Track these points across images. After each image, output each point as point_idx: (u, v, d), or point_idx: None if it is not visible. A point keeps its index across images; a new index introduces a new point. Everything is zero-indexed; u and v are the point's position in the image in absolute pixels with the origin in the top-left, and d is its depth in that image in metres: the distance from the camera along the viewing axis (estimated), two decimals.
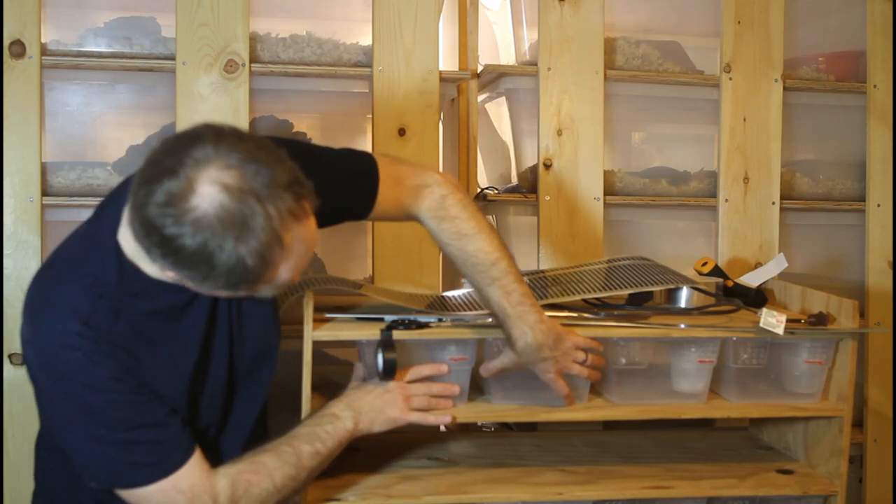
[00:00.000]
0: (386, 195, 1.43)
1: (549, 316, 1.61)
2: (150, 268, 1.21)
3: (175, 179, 1.06)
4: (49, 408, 1.26)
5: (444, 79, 2.01)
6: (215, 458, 1.32)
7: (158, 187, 1.06)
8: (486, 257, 1.45)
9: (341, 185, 1.41)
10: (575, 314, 1.65)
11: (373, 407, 1.48)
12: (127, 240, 1.21)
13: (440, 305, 1.70)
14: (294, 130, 2.04)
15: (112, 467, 1.23)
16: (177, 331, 1.29)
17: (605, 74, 2.07)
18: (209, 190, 1.06)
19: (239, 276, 1.09)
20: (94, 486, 1.24)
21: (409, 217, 1.49)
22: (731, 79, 2.14)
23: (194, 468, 1.25)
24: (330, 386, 1.66)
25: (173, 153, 1.08)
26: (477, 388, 1.67)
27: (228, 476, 1.28)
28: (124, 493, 1.24)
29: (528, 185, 2.10)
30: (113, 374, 1.20)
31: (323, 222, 1.44)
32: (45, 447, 1.38)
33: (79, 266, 1.24)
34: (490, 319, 1.58)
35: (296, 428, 1.39)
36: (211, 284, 1.11)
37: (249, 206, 1.06)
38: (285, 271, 1.13)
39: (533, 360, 1.49)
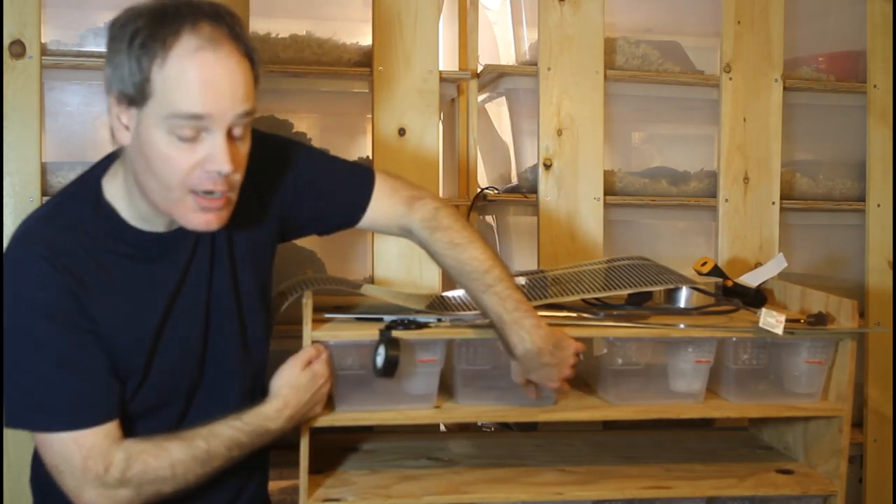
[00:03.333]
0: (380, 201, 1.49)
1: (550, 316, 1.62)
2: (127, 211, 1.27)
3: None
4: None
5: (444, 79, 2.01)
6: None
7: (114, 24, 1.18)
8: (479, 265, 1.45)
9: (338, 184, 1.47)
10: (575, 314, 1.65)
11: (305, 414, 1.45)
12: (109, 182, 1.28)
13: (440, 305, 1.70)
14: (294, 130, 2.04)
15: (25, 404, 1.22)
16: (145, 279, 1.29)
17: (605, 74, 2.07)
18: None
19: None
20: (9, 426, 1.23)
21: (402, 228, 1.51)
22: (731, 79, 2.14)
23: (100, 432, 1.23)
24: None
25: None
26: (446, 389, 1.66)
27: (128, 451, 1.25)
28: (35, 436, 1.25)
29: (528, 185, 2.10)
30: (57, 300, 1.21)
31: (319, 224, 1.50)
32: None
33: (59, 208, 1.28)
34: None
35: (222, 424, 1.32)
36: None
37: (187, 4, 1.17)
38: (188, 52, 1.14)
39: (534, 366, 1.46)
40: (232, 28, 1.18)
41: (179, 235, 1.31)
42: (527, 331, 1.44)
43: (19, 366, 1.22)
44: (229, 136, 1.19)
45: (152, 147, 1.17)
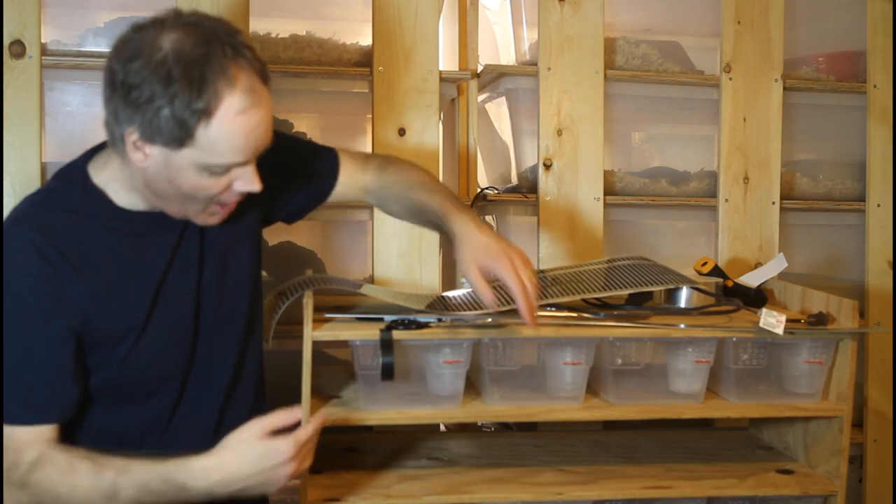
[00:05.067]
0: (346, 167, 1.56)
1: (550, 316, 1.63)
2: (118, 196, 1.30)
3: (141, 38, 1.18)
4: None
5: (444, 79, 2.01)
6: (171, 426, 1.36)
7: (123, 48, 1.18)
8: (426, 183, 1.53)
9: (306, 158, 1.56)
10: (575, 314, 1.65)
11: (244, 487, 1.26)
12: (98, 170, 1.31)
13: (440, 305, 1.70)
14: (294, 130, 2.04)
15: None
16: (136, 257, 1.31)
17: (605, 74, 2.07)
18: (172, 35, 1.17)
19: (182, 76, 1.15)
20: None
21: (362, 187, 1.57)
22: (731, 79, 2.14)
23: (30, 431, 1.23)
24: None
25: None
26: (473, 390, 1.67)
27: (41, 456, 1.22)
28: None
29: (528, 185, 2.10)
30: (37, 289, 1.23)
31: (294, 202, 1.57)
32: None
33: (49, 194, 1.31)
34: (490, 319, 1.58)
35: (141, 464, 1.23)
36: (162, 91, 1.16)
37: (207, 44, 1.17)
38: (232, 115, 1.17)
39: (481, 250, 1.39)
40: (253, 62, 1.21)
41: (165, 220, 1.33)
42: (470, 217, 1.45)
43: None
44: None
45: (186, 180, 1.23)
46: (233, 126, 1.19)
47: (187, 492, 1.23)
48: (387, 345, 1.50)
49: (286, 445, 1.26)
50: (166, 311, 1.33)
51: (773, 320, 1.62)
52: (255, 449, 1.25)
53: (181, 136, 1.18)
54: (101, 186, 1.30)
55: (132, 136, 1.20)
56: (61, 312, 1.24)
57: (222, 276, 1.39)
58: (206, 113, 1.17)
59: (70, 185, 1.31)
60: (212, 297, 1.38)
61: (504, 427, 2.07)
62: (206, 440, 1.29)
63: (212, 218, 1.31)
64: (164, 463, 1.23)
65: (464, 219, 1.44)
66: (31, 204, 1.30)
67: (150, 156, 1.21)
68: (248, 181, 1.26)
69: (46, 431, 1.25)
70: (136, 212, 1.31)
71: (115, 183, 1.30)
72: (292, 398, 1.52)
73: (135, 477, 1.22)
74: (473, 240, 1.41)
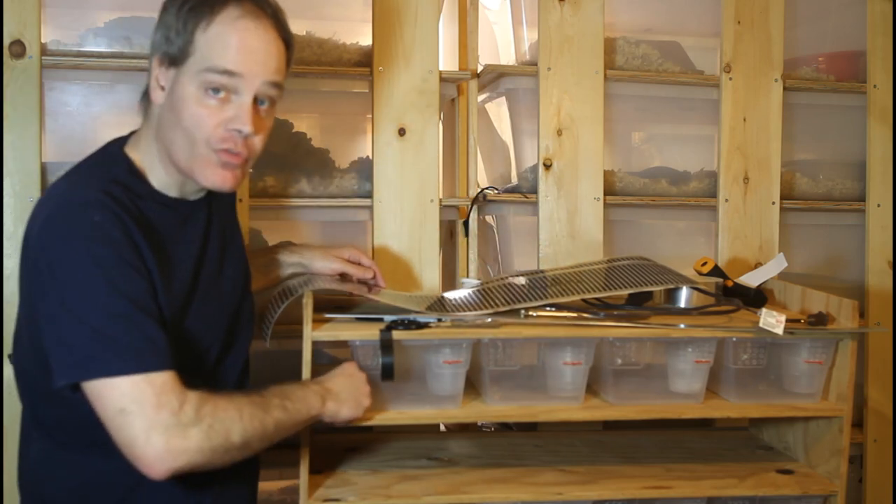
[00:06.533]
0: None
1: (550, 316, 1.64)
2: (153, 175, 1.34)
3: None
4: (38, 295, 1.21)
5: (444, 79, 2.01)
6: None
7: None
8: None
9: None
10: (575, 314, 1.65)
11: (344, 395, 1.45)
12: (133, 149, 1.35)
13: (440, 306, 1.70)
14: (294, 130, 2.04)
15: (90, 350, 1.16)
16: (179, 237, 1.35)
17: (605, 74, 2.07)
18: None
19: None
20: (62, 383, 1.17)
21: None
22: (731, 79, 2.14)
23: (171, 375, 1.19)
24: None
25: None
26: (473, 390, 1.67)
27: (199, 394, 1.21)
28: (90, 387, 1.17)
29: (528, 185, 2.10)
30: (123, 239, 1.22)
31: None
32: (43, 439, 1.33)
33: (94, 169, 1.32)
34: (490, 319, 1.59)
35: (264, 386, 1.35)
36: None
37: None
38: (231, 20, 1.26)
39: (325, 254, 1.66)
40: (274, 13, 1.33)
41: (197, 203, 1.38)
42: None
43: (80, 313, 1.17)
44: (255, 103, 1.30)
45: (184, 103, 1.27)
46: (230, 30, 1.26)
47: (307, 388, 1.40)
48: (387, 345, 1.50)
49: (363, 377, 1.51)
50: (200, 299, 1.35)
51: (772, 320, 1.62)
52: (347, 365, 1.52)
53: (184, 43, 1.26)
54: (139, 165, 1.34)
55: (156, 66, 1.29)
56: (143, 269, 1.24)
57: (237, 263, 1.46)
58: (210, 14, 1.26)
59: (113, 163, 1.33)
60: (231, 284, 1.43)
61: (504, 427, 2.07)
62: None
63: (217, 173, 1.30)
64: (288, 385, 1.37)
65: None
66: (80, 177, 1.29)
67: (164, 88, 1.29)
68: (240, 119, 1.28)
69: (177, 376, 1.21)
70: (170, 197, 1.35)
71: (147, 160, 1.34)
72: None
73: (271, 389, 1.33)
74: (315, 249, 1.67)
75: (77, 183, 1.28)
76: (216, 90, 1.27)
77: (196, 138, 1.28)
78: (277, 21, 1.33)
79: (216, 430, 1.20)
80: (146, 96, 1.35)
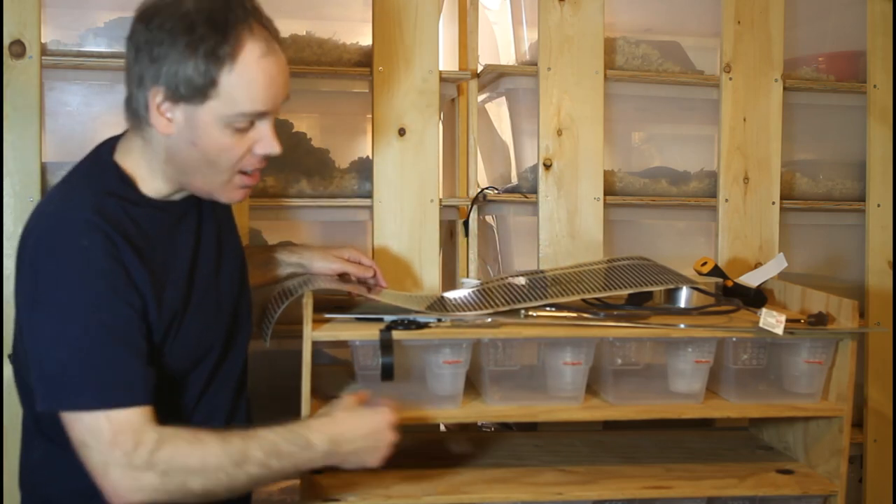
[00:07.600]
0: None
1: (550, 316, 1.64)
2: (144, 183, 1.31)
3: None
4: (26, 308, 1.22)
5: (444, 79, 2.01)
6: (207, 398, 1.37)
7: (145, 11, 1.23)
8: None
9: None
10: (575, 314, 1.65)
11: (354, 449, 1.33)
12: (123, 157, 1.31)
13: (440, 306, 1.70)
14: (294, 130, 2.04)
15: (61, 380, 1.17)
16: (172, 240, 1.33)
17: (605, 74, 2.07)
18: None
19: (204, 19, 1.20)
20: (40, 408, 1.20)
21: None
22: (731, 79, 2.14)
23: (136, 412, 1.19)
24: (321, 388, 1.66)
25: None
26: (473, 390, 1.67)
27: (161, 434, 1.19)
28: (62, 416, 1.19)
29: (528, 185, 2.10)
30: (111, 266, 1.21)
31: None
32: (45, 442, 1.33)
33: (85, 179, 1.30)
34: (490, 320, 1.58)
35: (265, 429, 1.27)
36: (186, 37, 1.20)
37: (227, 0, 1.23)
38: (255, 59, 1.23)
39: (328, 255, 1.66)
40: (275, 29, 1.30)
41: (187, 201, 1.36)
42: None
43: (57, 341, 1.18)
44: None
45: (209, 139, 1.25)
46: (256, 70, 1.24)
47: (310, 449, 1.27)
48: (387, 345, 1.50)
49: (388, 413, 1.37)
50: (198, 299, 1.35)
51: (772, 320, 1.62)
52: (364, 412, 1.36)
53: (205, 85, 1.21)
54: (131, 172, 1.31)
55: (157, 97, 1.23)
56: (132, 295, 1.23)
57: (234, 259, 1.46)
58: (231, 57, 1.21)
59: (103, 171, 1.31)
60: (228, 282, 1.43)
61: (504, 427, 2.07)
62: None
63: (238, 192, 1.32)
64: (282, 425, 1.28)
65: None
66: (72, 188, 1.28)
67: (173, 120, 1.24)
68: (268, 143, 1.29)
69: (149, 411, 1.20)
70: (160, 200, 1.33)
71: (140, 170, 1.31)
72: (292, 398, 1.52)
73: (262, 439, 1.24)
74: (315, 249, 1.67)
75: (69, 195, 1.27)
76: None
77: (223, 167, 1.28)
78: (279, 38, 1.31)
79: (171, 478, 1.18)
80: (132, 109, 1.28)
